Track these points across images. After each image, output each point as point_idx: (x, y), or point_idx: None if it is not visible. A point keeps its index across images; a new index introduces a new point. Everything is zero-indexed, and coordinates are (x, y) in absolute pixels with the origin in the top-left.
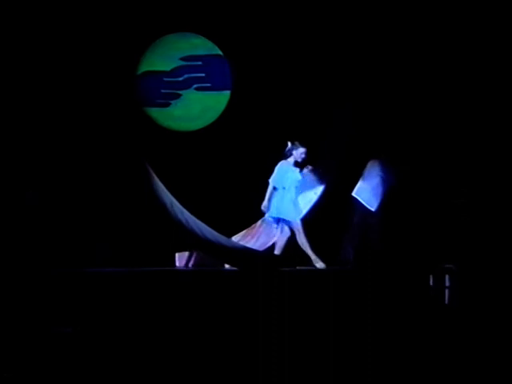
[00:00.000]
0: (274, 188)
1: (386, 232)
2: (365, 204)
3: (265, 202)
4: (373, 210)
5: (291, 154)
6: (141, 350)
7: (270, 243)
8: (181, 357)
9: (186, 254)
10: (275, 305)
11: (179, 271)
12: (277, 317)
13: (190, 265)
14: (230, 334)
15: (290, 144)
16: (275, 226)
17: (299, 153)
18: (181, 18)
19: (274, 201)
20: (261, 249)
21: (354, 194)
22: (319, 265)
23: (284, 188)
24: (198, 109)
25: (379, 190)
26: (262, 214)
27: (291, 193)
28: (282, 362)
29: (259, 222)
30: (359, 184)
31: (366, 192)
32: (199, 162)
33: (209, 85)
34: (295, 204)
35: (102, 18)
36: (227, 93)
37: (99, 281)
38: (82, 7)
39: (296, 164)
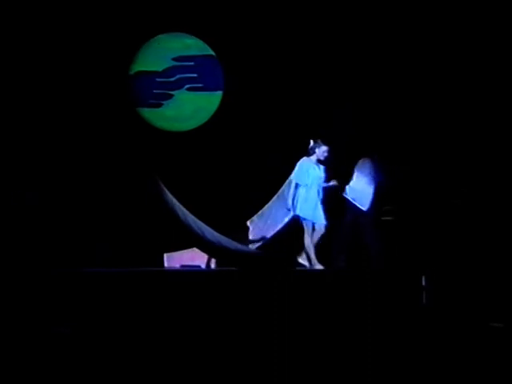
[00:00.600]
0: (296, 185)
1: (378, 232)
2: (356, 204)
3: (289, 201)
4: (364, 209)
5: (314, 152)
6: (141, 351)
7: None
8: (181, 357)
9: (175, 254)
10: (276, 305)
11: (179, 272)
12: (277, 317)
13: (212, 265)
14: (231, 334)
15: (312, 142)
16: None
17: (322, 151)
18: (173, 18)
19: (299, 199)
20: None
21: (344, 194)
22: (318, 267)
23: (307, 185)
24: (190, 109)
25: (369, 190)
26: (254, 213)
27: (314, 191)
28: (283, 362)
29: (248, 222)
30: (350, 184)
31: (357, 192)
32: (191, 163)
33: (201, 85)
34: (316, 204)
35: (95, 18)
36: (219, 93)
37: (99, 281)
38: (74, 8)
39: (319, 162)
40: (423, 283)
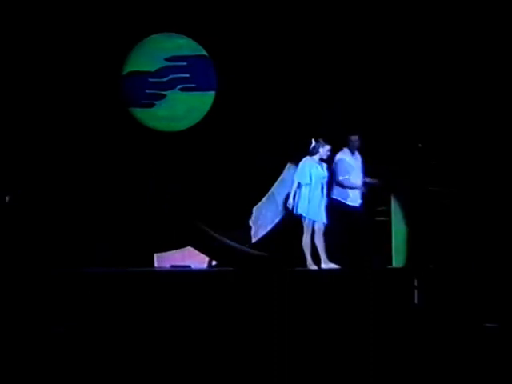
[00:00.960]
0: (299, 185)
1: (371, 232)
2: (347, 203)
3: (289, 199)
4: (357, 205)
5: (317, 152)
6: (139, 352)
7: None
8: (179, 357)
9: (165, 254)
10: (276, 305)
11: (179, 272)
12: (277, 317)
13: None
14: (229, 334)
15: (314, 141)
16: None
17: (325, 150)
18: (166, 19)
19: (301, 198)
20: None
21: (332, 195)
22: (313, 268)
23: (309, 184)
24: (182, 109)
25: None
26: (246, 213)
27: (318, 190)
28: (282, 362)
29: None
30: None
31: (343, 191)
32: (184, 163)
33: (193, 85)
34: (320, 203)
35: (87, 18)
36: (212, 93)
37: (98, 281)
38: (67, 9)
39: (322, 161)
40: (415, 283)
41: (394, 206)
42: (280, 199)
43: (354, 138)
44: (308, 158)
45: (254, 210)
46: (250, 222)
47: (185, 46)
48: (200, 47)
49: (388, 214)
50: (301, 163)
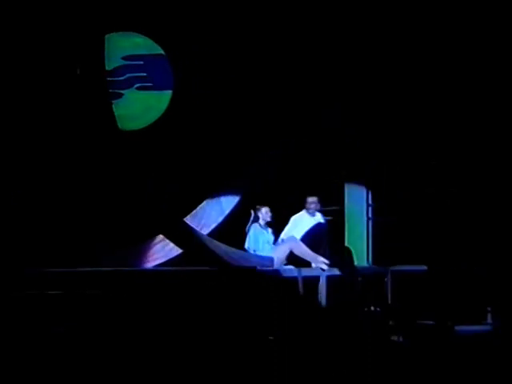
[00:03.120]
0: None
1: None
2: None
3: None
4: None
5: (258, 218)
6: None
7: None
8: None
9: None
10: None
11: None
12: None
13: None
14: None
15: (252, 212)
16: None
17: (264, 213)
18: (122, 17)
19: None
20: None
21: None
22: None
23: (260, 250)
24: (139, 108)
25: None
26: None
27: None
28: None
29: None
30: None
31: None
32: (141, 162)
33: (150, 84)
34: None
35: (43, 17)
36: (169, 92)
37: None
38: (22, 7)
39: (267, 225)
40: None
41: (348, 205)
42: (224, 199)
43: (312, 199)
44: (254, 225)
45: (198, 208)
46: (193, 221)
47: (142, 44)
48: (157, 46)
49: (341, 213)
50: (250, 232)
